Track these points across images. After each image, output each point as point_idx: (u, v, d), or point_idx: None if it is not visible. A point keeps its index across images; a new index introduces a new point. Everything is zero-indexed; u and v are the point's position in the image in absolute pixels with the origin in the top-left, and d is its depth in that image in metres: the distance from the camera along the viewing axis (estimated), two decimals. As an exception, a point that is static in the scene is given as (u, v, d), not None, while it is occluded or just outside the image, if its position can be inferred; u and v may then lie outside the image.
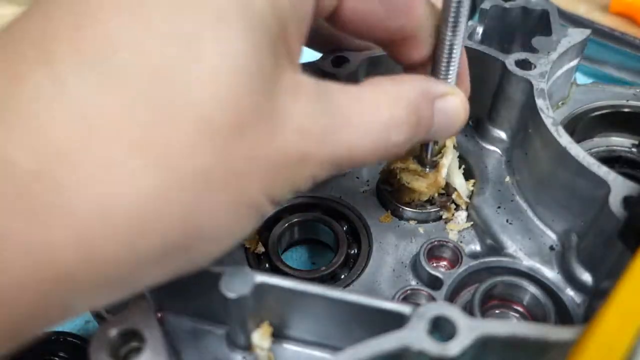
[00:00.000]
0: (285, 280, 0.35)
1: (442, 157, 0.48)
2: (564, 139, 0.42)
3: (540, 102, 0.45)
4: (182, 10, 0.26)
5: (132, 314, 0.32)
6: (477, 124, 0.54)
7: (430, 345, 0.31)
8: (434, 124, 0.37)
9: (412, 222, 0.51)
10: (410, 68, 0.40)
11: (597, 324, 0.28)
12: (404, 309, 0.34)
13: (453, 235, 0.50)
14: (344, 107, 0.31)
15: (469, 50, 0.50)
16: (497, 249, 0.47)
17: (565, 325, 0.39)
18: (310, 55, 0.46)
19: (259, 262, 0.49)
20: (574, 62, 0.53)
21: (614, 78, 0.72)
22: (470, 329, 0.31)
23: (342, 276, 0.48)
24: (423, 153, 0.47)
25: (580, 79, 0.57)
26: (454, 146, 0.48)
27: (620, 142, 0.56)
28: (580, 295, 0.43)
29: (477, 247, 0.49)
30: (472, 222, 0.50)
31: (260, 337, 0.38)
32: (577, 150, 0.41)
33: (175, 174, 0.25)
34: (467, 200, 0.50)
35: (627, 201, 0.37)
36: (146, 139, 0.24)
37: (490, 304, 0.44)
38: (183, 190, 0.25)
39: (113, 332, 0.31)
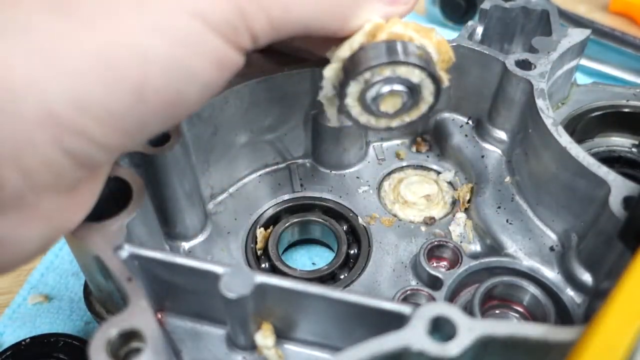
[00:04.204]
0: (285, 281, 0.35)
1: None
2: (564, 139, 0.42)
3: (540, 102, 0.45)
4: None
5: (132, 314, 0.32)
6: (477, 124, 0.54)
7: (430, 345, 0.31)
8: None
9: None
10: None
11: (597, 324, 0.28)
12: (404, 309, 0.34)
13: (453, 236, 0.50)
14: None
15: (469, 50, 0.50)
16: (497, 249, 0.47)
17: (565, 326, 0.39)
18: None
19: (258, 262, 0.49)
20: (574, 62, 0.53)
21: (614, 78, 0.72)
22: (470, 329, 0.31)
23: (342, 276, 0.48)
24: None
25: (580, 79, 0.57)
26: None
27: (620, 142, 0.56)
28: (580, 295, 0.43)
29: (477, 247, 0.49)
30: (472, 223, 0.50)
31: (263, 337, 0.38)
32: (577, 151, 0.41)
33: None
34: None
35: (627, 201, 0.37)
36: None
37: (490, 304, 0.44)
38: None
39: (113, 332, 0.31)
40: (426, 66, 0.35)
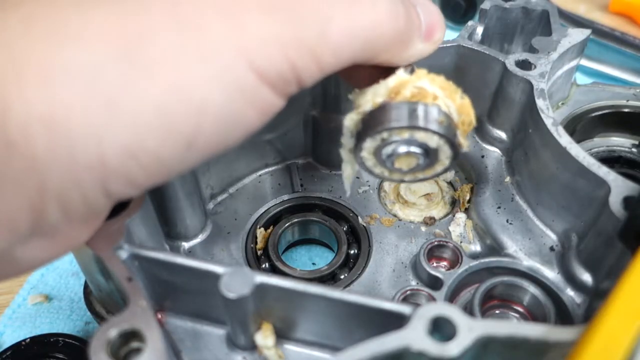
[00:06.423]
0: (285, 281, 0.35)
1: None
2: (564, 139, 0.42)
3: (540, 102, 0.45)
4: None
5: (132, 314, 0.32)
6: (477, 124, 0.54)
7: (430, 345, 0.31)
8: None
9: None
10: None
11: (597, 324, 0.28)
12: (404, 309, 0.34)
13: (453, 236, 0.50)
14: None
15: (469, 50, 0.50)
16: (497, 249, 0.47)
17: (565, 326, 0.39)
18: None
19: (258, 262, 0.49)
20: (574, 62, 0.53)
21: (614, 78, 0.72)
22: (470, 329, 0.31)
23: (342, 276, 0.48)
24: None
25: (581, 79, 0.57)
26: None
27: (620, 142, 0.56)
28: (580, 295, 0.43)
29: (477, 247, 0.49)
30: (472, 223, 0.50)
31: (263, 337, 0.38)
32: (577, 151, 0.41)
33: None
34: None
35: (627, 201, 0.37)
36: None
37: (490, 304, 0.44)
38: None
39: (113, 332, 0.31)
40: (446, 133, 0.34)
